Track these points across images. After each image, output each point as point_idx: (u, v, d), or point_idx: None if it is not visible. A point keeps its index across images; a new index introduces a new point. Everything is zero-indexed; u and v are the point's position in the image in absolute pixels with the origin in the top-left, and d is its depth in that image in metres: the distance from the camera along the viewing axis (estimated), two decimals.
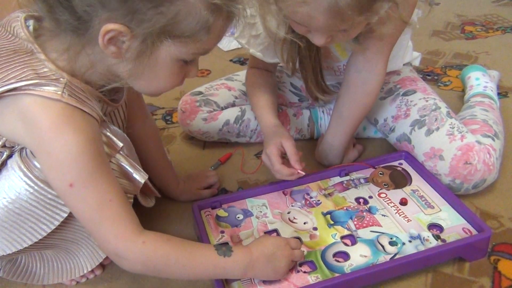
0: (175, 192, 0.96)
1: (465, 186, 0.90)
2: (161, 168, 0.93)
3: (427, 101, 0.98)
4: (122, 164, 0.72)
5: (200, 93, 1.11)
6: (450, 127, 0.93)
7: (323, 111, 1.14)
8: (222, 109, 1.10)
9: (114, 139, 0.71)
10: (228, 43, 1.65)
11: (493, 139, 0.95)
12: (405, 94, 1.01)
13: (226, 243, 0.74)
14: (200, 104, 1.08)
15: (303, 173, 0.88)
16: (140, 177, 0.74)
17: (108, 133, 0.71)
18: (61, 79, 0.62)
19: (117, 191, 0.66)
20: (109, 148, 0.70)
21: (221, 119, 1.08)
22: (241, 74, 1.16)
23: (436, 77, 1.37)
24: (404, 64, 1.08)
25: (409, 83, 1.03)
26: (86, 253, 0.78)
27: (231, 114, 1.08)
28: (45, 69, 0.62)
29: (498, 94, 1.24)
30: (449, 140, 0.91)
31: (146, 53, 0.61)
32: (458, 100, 1.23)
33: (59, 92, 0.61)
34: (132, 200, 0.75)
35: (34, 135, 0.62)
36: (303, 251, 0.78)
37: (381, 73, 0.91)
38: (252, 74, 1.06)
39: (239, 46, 1.62)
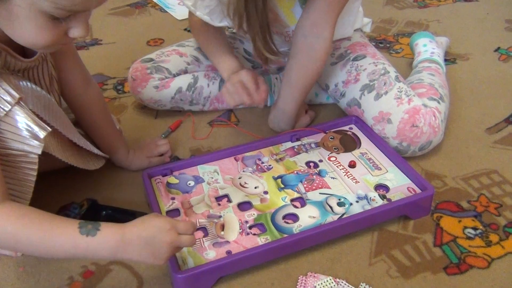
0: (126, 161, 0.95)
1: (411, 148, 0.94)
2: (109, 136, 0.92)
3: (376, 65, 1.00)
4: (19, 119, 0.66)
5: (150, 60, 1.09)
6: (398, 91, 0.96)
7: (276, 78, 1.15)
8: (174, 76, 1.08)
9: (11, 90, 0.66)
10: (182, 12, 1.62)
11: (439, 102, 0.99)
12: (355, 59, 1.03)
13: (96, 222, 0.65)
14: (151, 71, 1.06)
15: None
16: (41, 131, 0.68)
17: (4, 85, 0.66)
18: None
19: None
20: (4, 101, 0.65)
21: (173, 86, 1.06)
22: (193, 40, 1.15)
23: (388, 45, 1.40)
24: (355, 30, 1.10)
25: (359, 48, 1.05)
26: None
27: (183, 81, 1.07)
28: None
29: (447, 60, 1.29)
30: (397, 104, 0.94)
31: None
32: (408, 66, 1.27)
33: None
34: (35, 162, 0.69)
35: None
36: (194, 238, 0.68)
37: (327, 38, 0.92)
38: (197, 21, 1.03)
39: None
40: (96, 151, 0.84)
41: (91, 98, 0.88)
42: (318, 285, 0.73)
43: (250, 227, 0.80)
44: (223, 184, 0.88)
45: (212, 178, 0.89)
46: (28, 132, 0.68)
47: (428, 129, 0.92)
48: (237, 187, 0.88)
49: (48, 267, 0.78)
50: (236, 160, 0.94)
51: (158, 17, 1.64)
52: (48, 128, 0.70)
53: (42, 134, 0.69)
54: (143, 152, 0.97)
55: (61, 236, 0.63)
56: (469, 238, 0.82)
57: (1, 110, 0.66)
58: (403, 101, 0.94)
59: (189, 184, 0.88)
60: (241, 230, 0.79)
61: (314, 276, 0.75)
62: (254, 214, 0.82)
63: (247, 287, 0.75)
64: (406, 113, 0.93)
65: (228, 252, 0.75)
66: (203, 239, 0.78)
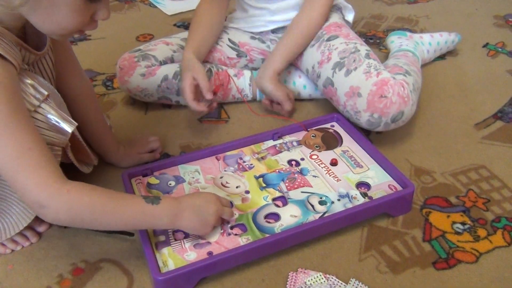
0: (115, 157, 0.94)
1: (383, 120, 0.93)
2: (99, 131, 0.91)
3: (347, 44, 1.01)
4: (48, 114, 0.70)
5: (138, 50, 1.10)
6: (367, 66, 0.96)
7: None
8: (161, 63, 1.08)
9: (39, 87, 0.69)
10: (172, 7, 1.61)
11: (405, 75, 0.99)
12: (328, 39, 1.04)
13: (156, 195, 0.73)
14: (138, 59, 1.06)
15: (215, 104, 1.00)
16: (68, 126, 0.72)
17: (30, 81, 0.68)
18: None
19: (37, 140, 0.64)
20: (33, 97, 0.68)
21: (159, 74, 1.06)
22: (181, 35, 1.16)
23: (378, 41, 1.39)
24: (335, 12, 1.11)
25: (333, 29, 1.06)
26: (19, 210, 0.76)
27: (169, 69, 1.07)
28: None
29: (438, 57, 1.28)
30: (366, 77, 0.94)
31: None
32: None
33: None
34: (59, 154, 0.73)
35: None
36: (233, 212, 0.79)
37: (326, 4, 1.04)
38: (200, 11, 1.10)
39: (183, 10, 1.60)
40: (89, 152, 0.84)
41: (84, 91, 0.88)
42: (308, 281, 0.72)
43: (232, 228, 0.78)
44: (204, 184, 0.86)
45: (193, 178, 0.88)
46: (55, 127, 0.71)
47: (397, 99, 0.92)
48: (219, 186, 0.86)
49: (37, 265, 0.77)
50: (218, 159, 0.92)
51: (148, 12, 1.62)
52: (74, 122, 0.73)
53: (70, 128, 0.72)
54: (134, 149, 0.96)
55: (130, 204, 0.69)
56: (457, 233, 0.81)
57: (31, 106, 0.67)
58: (371, 75, 0.94)
59: (170, 184, 0.87)
60: (222, 231, 0.77)
61: (305, 272, 0.74)
62: (235, 214, 0.80)
63: (238, 283, 0.73)
64: (374, 85, 0.92)
65: (209, 253, 0.74)
66: (184, 240, 0.76)
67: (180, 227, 0.74)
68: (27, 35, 0.71)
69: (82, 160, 0.84)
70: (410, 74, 1.00)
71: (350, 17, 1.14)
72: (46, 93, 0.69)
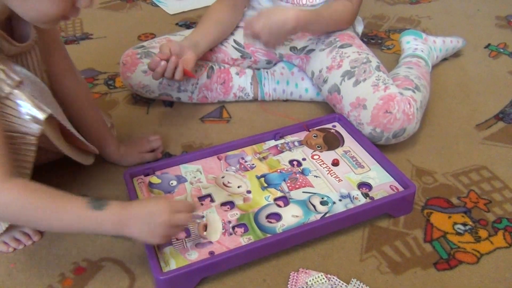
0: (116, 156, 0.94)
1: (385, 135, 0.93)
2: (98, 130, 0.91)
3: (360, 54, 1.01)
4: (19, 100, 0.68)
5: (142, 46, 1.10)
6: (376, 79, 0.96)
7: (267, 72, 1.14)
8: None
9: (11, 74, 0.68)
10: (174, 6, 1.61)
11: (414, 91, 0.99)
12: (341, 46, 1.04)
13: (103, 199, 0.69)
14: (141, 56, 1.07)
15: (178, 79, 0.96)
16: (41, 114, 0.69)
17: (2, 66, 0.67)
18: None
19: None
20: (4, 83, 0.67)
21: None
22: (186, 32, 1.15)
23: (380, 41, 1.39)
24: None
25: (347, 38, 1.06)
26: None
27: None
28: None
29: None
30: (373, 90, 0.94)
31: None
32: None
33: None
34: (33, 143, 0.70)
35: None
36: (191, 216, 0.72)
37: (356, 2, 1.06)
38: (211, 8, 1.10)
39: (185, 9, 1.60)
40: (86, 143, 0.83)
41: (78, 90, 0.87)
42: (310, 281, 0.72)
43: (233, 227, 0.78)
44: (206, 184, 0.86)
45: (195, 177, 0.88)
46: (28, 115, 0.69)
47: (401, 116, 0.92)
48: (220, 186, 0.86)
49: (39, 264, 0.77)
50: (219, 159, 0.92)
51: (149, 12, 1.62)
52: (48, 110, 0.71)
53: (42, 116, 0.69)
54: (135, 148, 0.95)
55: (69, 209, 0.66)
56: (458, 234, 0.81)
57: (1, 92, 0.66)
58: (379, 88, 0.94)
59: (172, 184, 0.87)
60: (224, 230, 0.77)
61: (306, 272, 0.74)
62: (237, 214, 0.80)
63: (239, 283, 0.73)
64: (380, 99, 0.93)
65: (211, 253, 0.74)
66: (186, 239, 0.76)
67: (129, 235, 0.70)
68: (12, 28, 0.71)
69: (82, 151, 0.84)
70: (420, 90, 1.00)
71: (359, 29, 1.15)
72: (18, 79, 0.68)
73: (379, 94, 0.93)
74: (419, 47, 1.18)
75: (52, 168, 0.90)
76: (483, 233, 0.81)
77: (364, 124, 0.94)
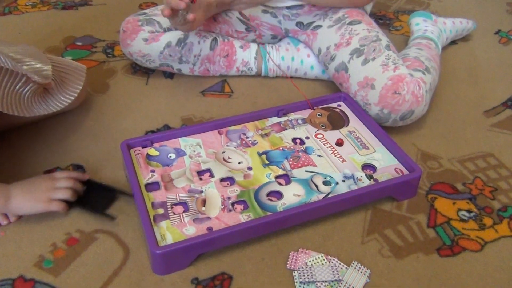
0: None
1: (392, 116, 0.91)
2: None
3: (369, 32, 0.98)
4: None
5: (144, 13, 1.06)
6: (386, 58, 0.93)
7: (272, 47, 1.10)
8: (165, 30, 1.04)
9: None
10: None
11: (424, 73, 0.96)
12: (350, 23, 1.01)
13: None
14: (142, 24, 1.03)
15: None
16: None
17: None
18: None
19: None
20: None
21: (162, 40, 1.02)
22: None
23: (388, 21, 1.36)
24: None
25: (356, 15, 1.03)
26: None
27: (173, 36, 1.03)
28: None
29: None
30: (382, 70, 0.91)
31: None
32: (407, 44, 1.21)
33: None
34: None
35: None
36: (68, 190, 0.76)
37: None
38: None
39: None
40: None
41: None
42: (310, 261, 0.71)
43: (233, 204, 0.75)
44: (205, 158, 0.84)
45: (194, 151, 0.85)
46: None
47: (410, 98, 0.89)
48: (220, 161, 0.83)
49: (30, 232, 0.75)
50: (220, 133, 0.89)
51: None
52: None
53: None
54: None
55: None
56: (463, 220, 0.79)
57: None
58: (388, 68, 0.91)
59: (170, 157, 0.84)
60: (223, 207, 0.75)
61: (306, 252, 0.72)
62: (237, 190, 0.78)
63: (237, 261, 0.72)
64: (390, 79, 0.90)
65: (209, 229, 0.71)
66: (183, 214, 0.73)
67: (13, 209, 0.74)
68: None
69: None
70: (430, 72, 0.98)
71: (368, 8, 1.11)
72: None
73: (388, 74, 0.90)
74: (429, 28, 1.15)
75: (46, 139, 0.87)
76: (487, 220, 0.79)
77: (372, 105, 0.91)
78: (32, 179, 0.76)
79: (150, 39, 1.02)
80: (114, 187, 0.80)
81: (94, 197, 0.79)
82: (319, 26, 1.05)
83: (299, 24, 1.07)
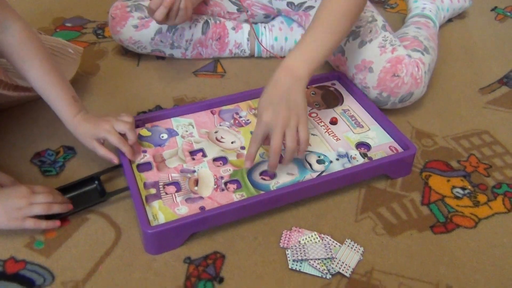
0: (69, 122, 0.77)
1: (391, 99, 0.90)
2: (52, 83, 0.77)
3: (364, 12, 0.95)
4: None
5: None
6: (383, 40, 0.91)
7: (265, 27, 1.08)
8: None
9: None
10: None
11: (423, 54, 0.94)
12: None
13: None
14: (131, 10, 1.00)
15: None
16: None
17: None
18: None
19: None
20: None
21: (153, 26, 1.00)
22: None
23: None
24: None
25: None
26: None
27: None
28: None
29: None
30: (380, 52, 0.89)
31: None
32: (402, 22, 1.20)
33: None
34: None
35: None
36: (45, 206, 0.69)
37: None
38: None
39: None
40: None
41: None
42: (303, 240, 0.70)
43: (226, 183, 0.75)
44: (198, 138, 0.83)
45: (187, 131, 0.84)
46: None
47: (409, 80, 0.88)
48: (213, 141, 0.82)
49: None
50: (213, 113, 0.88)
51: None
52: None
53: None
54: (93, 123, 0.77)
55: None
56: (457, 197, 0.78)
57: None
58: (386, 50, 0.89)
59: (162, 137, 0.83)
60: (215, 186, 0.74)
61: (299, 231, 0.72)
62: (230, 170, 0.77)
63: (229, 240, 0.71)
64: (388, 62, 0.88)
65: (202, 208, 0.71)
66: (176, 194, 0.73)
67: None
68: None
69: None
70: (429, 53, 0.96)
71: None
72: None
73: (386, 56, 0.89)
74: (427, 6, 1.13)
75: (36, 121, 0.86)
76: (482, 197, 0.79)
77: (370, 88, 0.89)
78: (8, 192, 0.70)
79: (140, 25, 1.00)
80: (92, 175, 0.77)
81: (81, 195, 0.76)
82: (311, 7, 1.02)
83: (290, 4, 1.05)
